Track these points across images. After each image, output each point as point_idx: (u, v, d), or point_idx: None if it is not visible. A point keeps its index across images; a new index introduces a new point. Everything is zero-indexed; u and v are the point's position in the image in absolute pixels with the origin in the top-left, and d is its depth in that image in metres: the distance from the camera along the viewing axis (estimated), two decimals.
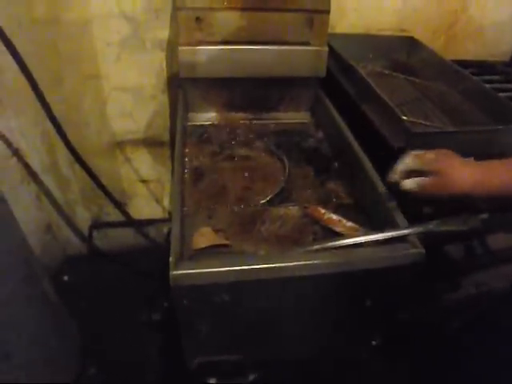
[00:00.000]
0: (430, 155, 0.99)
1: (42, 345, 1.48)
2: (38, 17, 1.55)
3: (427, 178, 0.96)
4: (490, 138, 1.38)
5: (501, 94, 1.57)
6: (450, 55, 1.92)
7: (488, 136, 1.38)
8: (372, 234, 1.02)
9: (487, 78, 1.83)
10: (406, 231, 1.01)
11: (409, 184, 0.98)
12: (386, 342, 1.22)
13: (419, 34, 1.97)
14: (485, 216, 1.05)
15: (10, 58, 1.28)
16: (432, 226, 1.01)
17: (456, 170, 0.95)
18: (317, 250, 1.01)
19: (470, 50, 2.14)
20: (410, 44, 1.96)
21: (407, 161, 1.01)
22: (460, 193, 0.94)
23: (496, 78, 1.88)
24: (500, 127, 1.39)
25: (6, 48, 1.26)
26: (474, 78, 1.64)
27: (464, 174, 0.95)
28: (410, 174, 1.00)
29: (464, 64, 1.80)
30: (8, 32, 1.25)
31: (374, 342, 1.22)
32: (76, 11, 1.59)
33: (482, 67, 1.95)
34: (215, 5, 1.37)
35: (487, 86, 1.61)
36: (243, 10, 1.39)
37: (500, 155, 1.49)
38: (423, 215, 1.08)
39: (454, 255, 1.69)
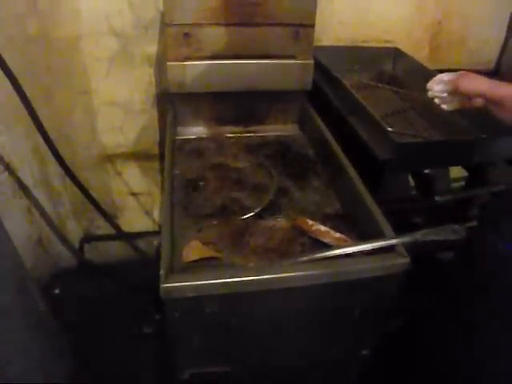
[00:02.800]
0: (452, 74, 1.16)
1: (34, 358, 1.48)
2: (29, 33, 1.56)
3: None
4: (475, 148, 1.40)
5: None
6: (434, 65, 1.94)
7: (473, 145, 1.40)
8: (360, 245, 1.03)
9: None
10: (393, 241, 1.02)
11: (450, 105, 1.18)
12: (375, 352, 1.24)
13: (404, 45, 2.00)
14: (473, 224, 1.07)
15: (1, 72, 1.29)
16: (419, 235, 1.02)
17: (474, 75, 1.11)
18: (305, 262, 1.02)
19: (455, 59, 2.17)
20: (395, 55, 1.98)
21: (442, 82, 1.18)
22: (478, 90, 1.08)
23: None
24: (485, 136, 1.41)
25: None
26: None
27: (480, 77, 1.09)
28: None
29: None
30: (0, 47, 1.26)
31: (363, 352, 1.23)
32: (66, 28, 1.61)
33: None
34: (203, 21, 1.39)
35: None
36: (230, 25, 1.41)
37: (486, 164, 1.53)
38: (411, 225, 1.10)
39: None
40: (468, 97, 1.13)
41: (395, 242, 1.02)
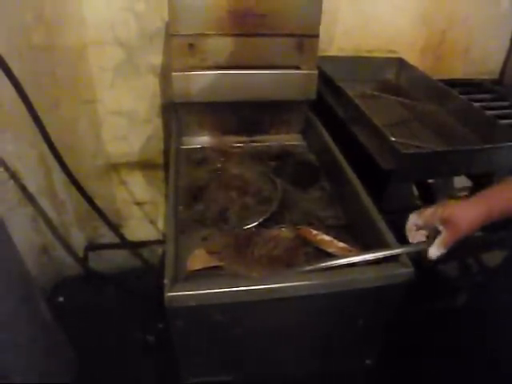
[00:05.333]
0: (428, 210, 1.03)
1: (38, 366, 1.48)
2: (35, 43, 1.57)
3: (443, 234, 0.99)
4: (478, 158, 1.40)
5: (489, 112, 1.59)
6: (438, 75, 1.95)
7: (476, 155, 1.40)
8: (364, 254, 1.03)
9: (476, 96, 1.86)
10: (397, 250, 1.03)
11: (434, 251, 1.00)
12: (379, 361, 1.23)
13: (407, 55, 2.01)
14: (477, 234, 1.06)
15: (7, 82, 1.31)
16: (423, 245, 1.03)
17: (461, 212, 0.99)
18: (309, 271, 1.02)
19: (459, 69, 2.17)
20: (399, 65, 2.00)
21: (410, 221, 1.06)
22: (474, 230, 0.98)
23: (484, 96, 1.91)
24: (488, 146, 1.42)
25: (4, 73, 1.28)
26: (462, 97, 1.67)
27: (469, 213, 0.98)
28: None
29: (452, 83, 1.83)
30: (6, 57, 1.27)
31: (367, 361, 1.23)
32: (72, 38, 1.63)
33: (470, 86, 1.99)
34: (208, 31, 1.40)
35: (476, 104, 1.63)
36: (235, 36, 1.43)
37: (488, 174, 1.52)
38: None
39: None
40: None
41: (400, 251, 1.03)
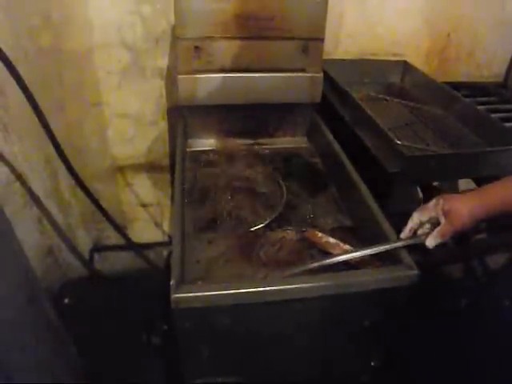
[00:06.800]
0: (430, 203, 1.05)
1: (42, 367, 1.48)
2: (42, 46, 1.59)
3: (441, 225, 1.01)
4: (483, 160, 1.40)
5: (494, 115, 1.59)
6: (443, 78, 1.96)
7: (481, 158, 1.40)
8: (366, 249, 1.04)
9: (481, 99, 1.86)
10: (397, 244, 1.04)
11: (432, 240, 1.03)
12: (385, 363, 1.23)
13: (412, 58, 2.01)
14: (482, 236, 1.07)
15: (15, 85, 1.32)
16: (423, 237, 1.04)
17: (461, 205, 1.00)
18: (314, 272, 1.02)
19: (463, 72, 2.17)
20: (404, 68, 2.00)
21: (415, 218, 1.07)
22: (473, 223, 1.00)
23: (489, 99, 1.91)
24: (493, 149, 1.42)
25: (12, 75, 1.29)
26: (467, 100, 1.67)
27: (469, 206, 1.00)
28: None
29: (457, 86, 1.83)
30: (13, 60, 1.28)
31: (373, 363, 1.23)
32: (79, 41, 1.64)
33: (475, 89, 1.99)
34: (214, 34, 1.41)
35: (480, 107, 1.64)
36: (241, 39, 1.43)
37: (493, 177, 1.52)
38: None
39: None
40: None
41: (400, 244, 1.04)
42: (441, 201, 1.03)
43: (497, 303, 1.36)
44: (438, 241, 1.02)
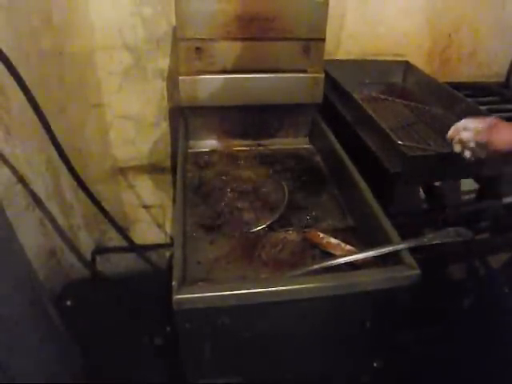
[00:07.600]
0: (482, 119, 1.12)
1: (44, 369, 1.48)
2: (43, 48, 1.59)
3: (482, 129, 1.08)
4: (485, 160, 1.40)
5: (496, 115, 1.59)
6: (444, 78, 1.96)
7: (483, 158, 1.40)
8: (368, 251, 1.04)
9: (482, 99, 1.86)
10: (400, 246, 1.03)
11: (467, 135, 1.12)
12: (387, 364, 1.23)
13: (414, 58, 2.01)
14: (484, 236, 1.07)
15: (16, 86, 1.32)
16: (426, 239, 1.04)
17: (508, 125, 1.07)
18: (316, 273, 1.02)
19: (465, 72, 2.17)
20: (405, 68, 2.00)
21: (462, 121, 1.15)
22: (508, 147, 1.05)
23: (491, 99, 1.91)
24: None
25: (13, 77, 1.29)
26: (469, 99, 1.67)
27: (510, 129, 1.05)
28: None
29: (459, 86, 1.83)
30: (15, 62, 1.28)
31: (375, 364, 1.23)
32: (80, 42, 1.64)
33: (476, 89, 1.99)
34: (215, 35, 1.41)
35: (482, 107, 1.63)
36: (242, 40, 1.43)
37: (495, 177, 1.52)
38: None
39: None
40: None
41: (402, 246, 1.03)
42: (491, 118, 1.09)
43: (499, 303, 1.36)
44: (471, 138, 1.10)
